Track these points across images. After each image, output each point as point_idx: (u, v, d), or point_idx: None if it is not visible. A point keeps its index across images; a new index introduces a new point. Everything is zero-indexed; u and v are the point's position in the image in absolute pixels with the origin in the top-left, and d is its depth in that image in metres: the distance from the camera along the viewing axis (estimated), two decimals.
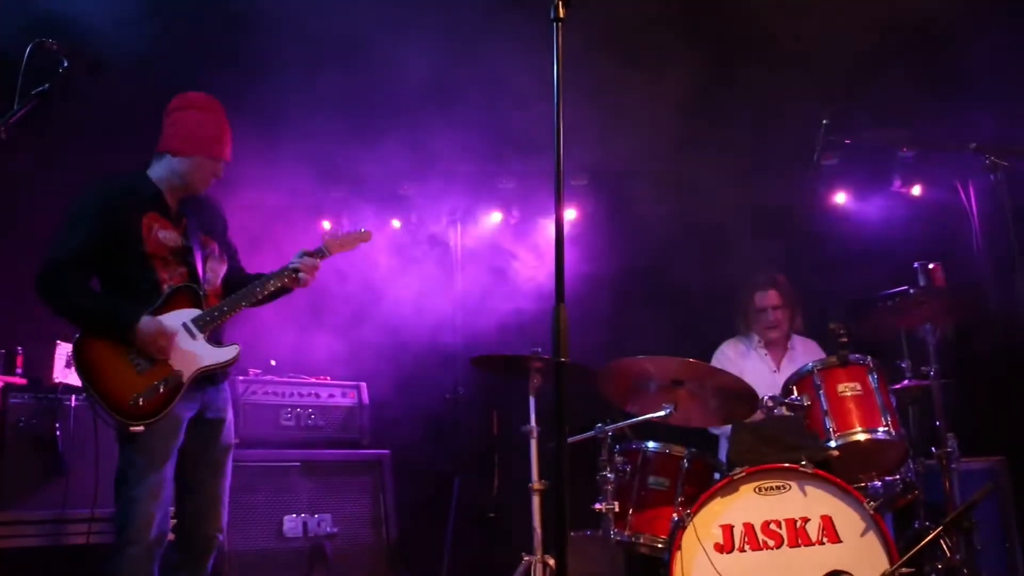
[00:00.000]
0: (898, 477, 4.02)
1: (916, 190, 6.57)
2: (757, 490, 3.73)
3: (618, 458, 4.00)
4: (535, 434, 4.24)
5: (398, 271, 6.68)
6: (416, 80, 5.35)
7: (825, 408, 3.99)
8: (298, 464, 4.81)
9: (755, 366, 5.07)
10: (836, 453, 3.85)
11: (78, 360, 3.35)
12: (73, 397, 4.25)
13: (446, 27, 5.27)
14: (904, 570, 3.54)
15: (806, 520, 3.67)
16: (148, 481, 3.34)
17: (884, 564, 3.57)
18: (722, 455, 4.92)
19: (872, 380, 4.05)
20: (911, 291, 4.15)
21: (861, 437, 3.95)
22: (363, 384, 5.31)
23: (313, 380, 5.19)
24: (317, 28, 5.15)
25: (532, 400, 4.30)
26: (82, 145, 5.26)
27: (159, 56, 4.99)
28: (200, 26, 5.07)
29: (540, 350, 4.17)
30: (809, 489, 3.71)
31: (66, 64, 3.08)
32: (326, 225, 6.95)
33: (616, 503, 3.84)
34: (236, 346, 3.59)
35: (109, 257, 3.46)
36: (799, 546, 3.64)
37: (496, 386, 6.68)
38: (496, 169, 6.64)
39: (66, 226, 3.47)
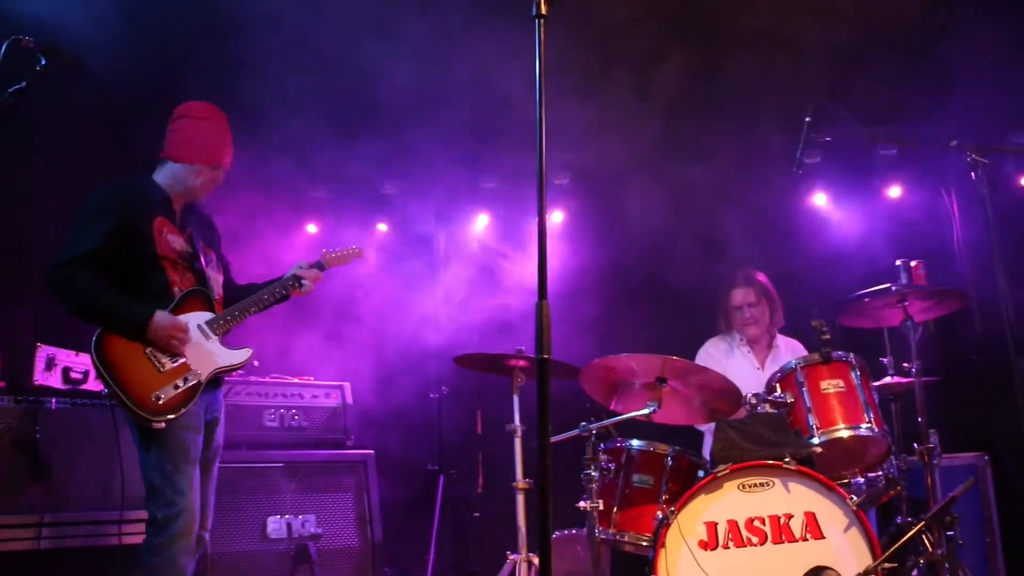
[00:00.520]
0: (881, 473, 4.03)
1: (898, 189, 6.62)
2: (741, 487, 3.73)
3: (602, 456, 3.99)
4: (519, 433, 4.25)
5: (381, 271, 6.67)
6: (399, 79, 5.33)
7: (808, 405, 4.00)
8: (282, 465, 4.79)
9: (739, 364, 5.09)
10: (819, 450, 3.85)
11: (100, 358, 3.41)
12: (54, 400, 4.21)
13: (429, 24, 5.27)
14: (886, 565, 3.56)
15: (790, 517, 3.68)
16: (188, 475, 3.46)
17: (867, 560, 3.58)
18: (706, 452, 4.93)
19: (855, 377, 4.06)
20: (892, 288, 4.17)
21: (844, 434, 3.95)
22: (347, 384, 5.29)
23: (297, 380, 5.17)
24: (298, 28, 5.14)
25: (516, 399, 4.30)
26: (60, 144, 5.22)
27: (137, 56, 4.96)
28: (180, 26, 5.04)
29: (524, 348, 4.18)
30: (792, 486, 3.72)
31: (44, 62, 3.04)
32: (311, 229, 6.94)
33: (600, 501, 3.83)
34: (249, 349, 3.73)
35: (120, 257, 3.53)
36: (783, 543, 3.65)
37: (480, 385, 6.69)
38: (479, 168, 6.64)
39: (80, 224, 3.53)
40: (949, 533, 3.69)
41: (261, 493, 4.70)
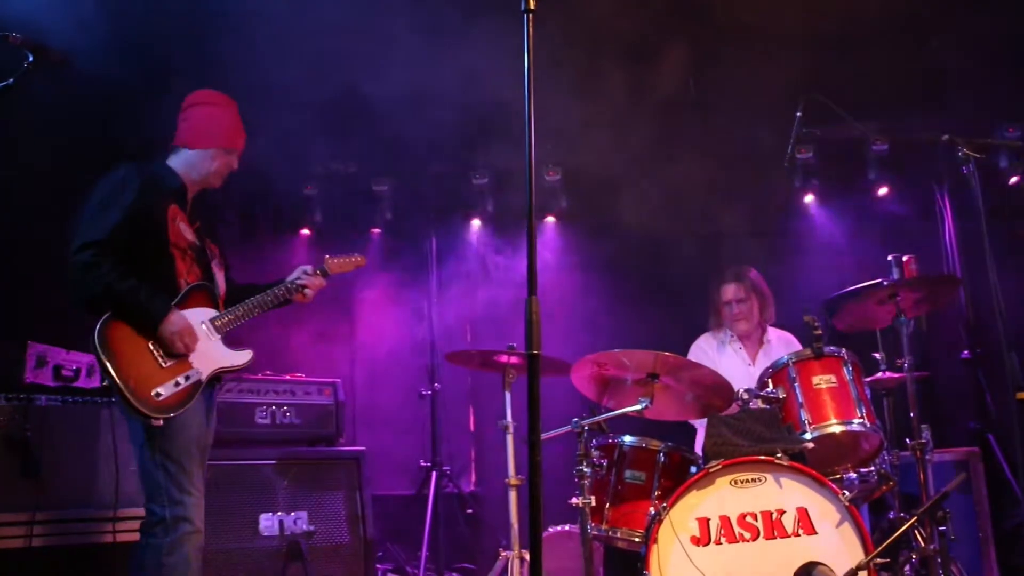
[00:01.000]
0: (873, 469, 4.04)
1: (889, 186, 6.62)
2: (733, 483, 3.73)
3: (595, 452, 3.99)
4: (511, 429, 4.25)
5: (373, 268, 6.66)
6: (389, 75, 5.32)
7: (800, 400, 3.99)
8: (274, 462, 4.77)
9: (730, 360, 5.09)
10: (811, 445, 3.86)
11: (103, 345, 3.34)
12: (44, 398, 4.19)
13: (421, 20, 5.25)
14: (878, 561, 3.56)
15: (782, 512, 3.67)
16: (194, 473, 3.44)
17: (859, 555, 3.58)
18: (699, 447, 4.93)
19: (847, 372, 4.06)
20: (884, 283, 4.17)
21: (836, 429, 3.95)
22: (338, 381, 5.28)
23: (288, 378, 5.15)
24: (288, 24, 5.12)
25: (507, 395, 4.30)
26: (43, 143, 5.19)
27: (121, 53, 4.94)
28: (168, 22, 5.01)
29: (515, 344, 4.17)
30: (785, 481, 3.72)
31: (31, 59, 3.02)
32: (304, 232, 6.93)
33: (593, 497, 3.82)
34: (250, 351, 3.70)
35: (132, 241, 3.46)
36: (775, 538, 3.64)
37: (473, 381, 6.69)
38: (472, 165, 6.64)
39: (99, 207, 3.46)
40: (941, 528, 3.69)
41: (253, 490, 4.68)
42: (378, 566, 5.44)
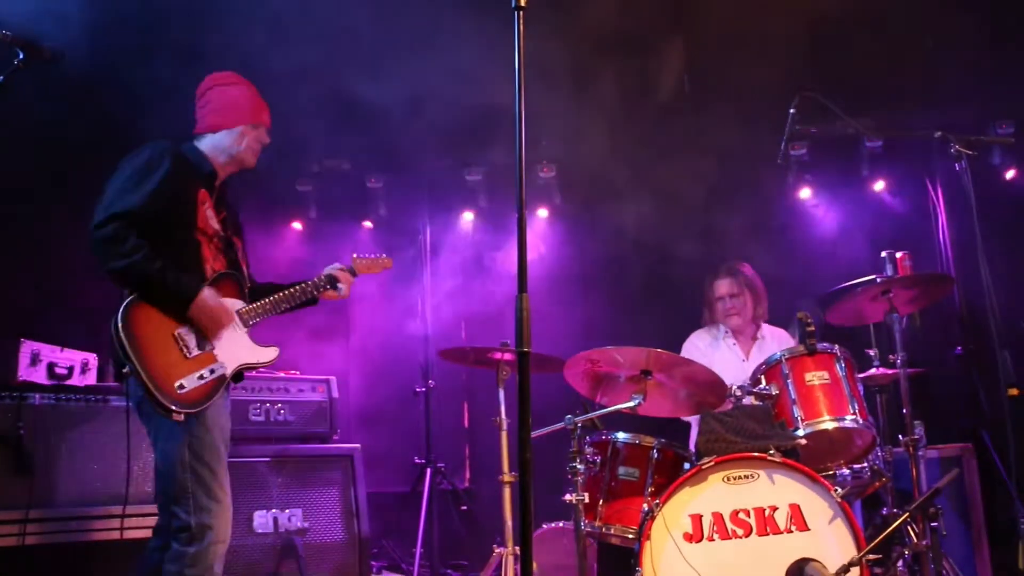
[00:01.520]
0: (866, 465, 4.04)
1: (883, 182, 6.63)
2: (726, 479, 3.73)
3: (588, 449, 3.99)
4: (505, 426, 4.25)
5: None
6: (382, 71, 5.31)
7: (793, 397, 4.00)
8: (268, 459, 4.77)
9: (724, 356, 5.09)
10: (804, 442, 3.86)
11: (125, 331, 3.13)
12: (37, 396, 4.19)
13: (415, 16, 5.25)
14: (870, 557, 3.56)
15: (775, 509, 3.67)
16: (222, 477, 3.26)
17: (852, 551, 3.58)
18: (693, 444, 4.93)
19: (840, 369, 4.06)
20: (878, 280, 4.17)
21: (829, 425, 3.96)
22: (333, 378, 5.27)
23: (282, 374, 5.15)
24: (283, 19, 5.11)
25: (501, 392, 4.30)
26: (35, 140, 5.19)
27: (108, 48, 4.93)
28: (155, 10, 5.00)
29: (509, 342, 4.17)
30: (777, 478, 3.72)
31: (21, 56, 3.01)
32: (296, 225, 6.92)
33: (586, 494, 3.83)
34: (276, 348, 3.55)
35: (160, 220, 3.28)
36: (768, 535, 3.64)
37: (467, 378, 6.69)
38: (466, 160, 6.63)
39: (128, 180, 3.27)
40: (933, 525, 3.69)
41: (247, 487, 4.67)
42: (372, 563, 5.44)
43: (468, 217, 7.01)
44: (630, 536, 3.88)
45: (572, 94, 5.51)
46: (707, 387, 4.03)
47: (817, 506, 3.67)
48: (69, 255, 5.63)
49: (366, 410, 6.06)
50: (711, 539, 3.65)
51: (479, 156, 6.58)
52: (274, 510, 4.72)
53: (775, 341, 5.09)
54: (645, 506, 3.81)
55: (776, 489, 3.70)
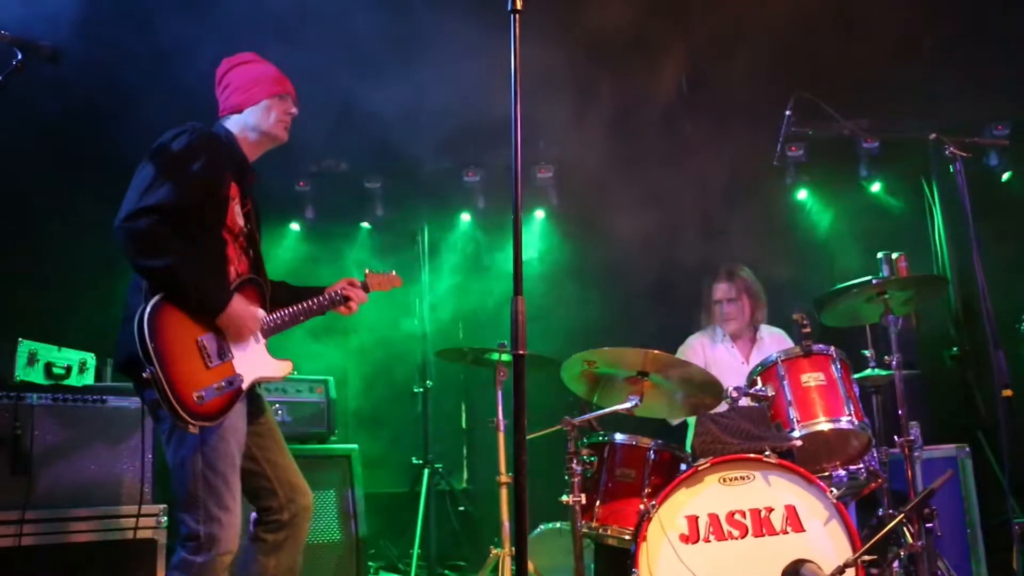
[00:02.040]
0: (862, 466, 4.05)
1: (880, 182, 6.64)
2: (722, 480, 3.73)
3: (585, 450, 4.00)
4: (502, 427, 4.26)
5: (365, 265, 6.65)
6: (381, 70, 5.32)
7: (789, 398, 4.00)
8: None
9: (723, 359, 5.10)
10: (799, 443, 3.87)
11: (152, 332, 2.97)
12: (34, 396, 4.19)
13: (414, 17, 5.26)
14: (866, 558, 3.57)
15: (770, 510, 3.68)
16: (235, 486, 3.15)
17: (847, 552, 3.59)
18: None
19: (835, 370, 4.07)
20: (873, 281, 4.18)
21: (824, 427, 3.96)
22: (330, 379, 5.28)
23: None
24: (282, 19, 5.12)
25: (499, 393, 4.31)
26: (30, 140, 5.19)
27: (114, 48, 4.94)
28: (150, 11, 5.00)
29: (506, 343, 4.17)
30: (773, 479, 3.73)
31: (20, 57, 2.99)
32: (294, 226, 6.91)
33: (583, 495, 3.83)
34: (290, 363, 3.44)
35: (190, 218, 3.12)
36: (763, 536, 3.65)
37: (465, 379, 6.70)
38: (464, 162, 6.64)
39: (163, 170, 3.09)
40: (928, 525, 3.70)
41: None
42: (370, 563, 5.45)
43: (466, 218, 7.02)
44: (626, 537, 3.88)
45: (570, 95, 5.52)
46: (703, 388, 4.04)
47: (813, 507, 3.68)
48: (68, 254, 5.65)
49: (364, 410, 6.07)
50: (707, 540, 3.66)
51: (477, 157, 6.59)
52: None
53: (774, 342, 5.09)
54: (641, 507, 3.81)
55: (772, 490, 3.71)
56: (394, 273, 4.05)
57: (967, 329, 5.72)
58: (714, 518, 3.68)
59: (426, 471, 5.97)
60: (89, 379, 4.69)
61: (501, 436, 4.26)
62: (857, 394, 4.13)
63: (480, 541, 5.95)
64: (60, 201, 5.56)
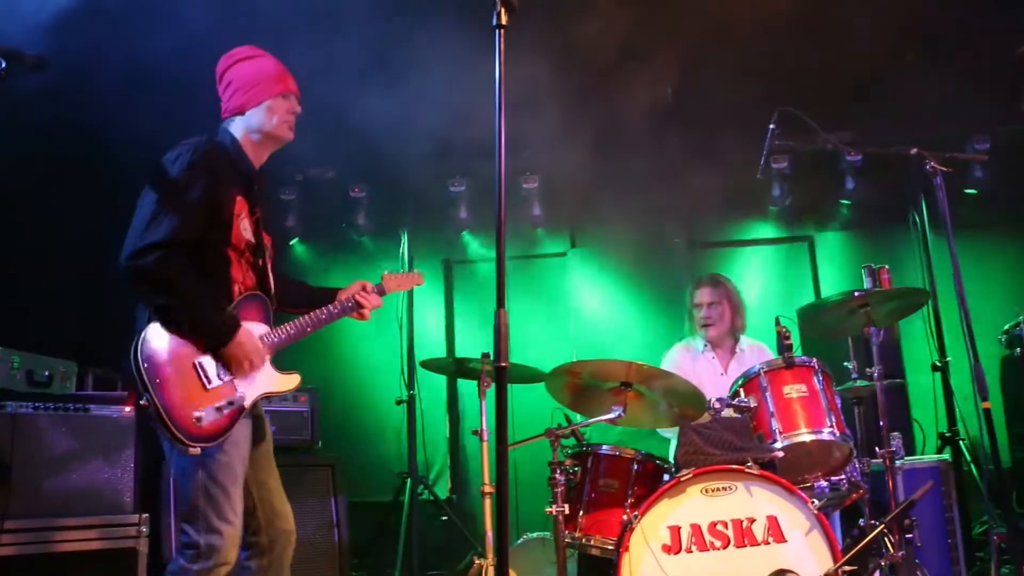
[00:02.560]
0: (844, 477, 4.07)
1: (864, 195, 6.68)
2: (704, 491, 3.76)
3: (568, 460, 4.00)
4: (486, 437, 4.26)
5: (348, 275, 6.66)
6: (366, 78, 5.33)
7: (771, 409, 4.02)
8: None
9: (704, 369, 5.13)
10: (781, 454, 3.89)
11: (145, 363, 3.00)
12: (13, 404, 4.16)
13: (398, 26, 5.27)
14: (846, 568, 3.59)
15: (752, 520, 3.70)
16: (236, 498, 3.15)
17: (828, 563, 3.62)
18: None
19: (817, 381, 4.09)
20: (856, 294, 4.21)
21: (807, 438, 3.98)
22: (315, 389, 5.28)
23: None
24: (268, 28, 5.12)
25: (483, 403, 4.31)
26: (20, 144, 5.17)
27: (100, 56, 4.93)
28: (145, 28, 5.00)
29: (490, 353, 4.17)
30: (755, 490, 3.75)
31: (3, 65, 2.99)
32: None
33: (567, 506, 3.84)
34: (297, 376, 3.43)
35: (194, 242, 3.11)
36: (745, 546, 3.67)
37: (449, 389, 6.70)
38: (448, 172, 6.65)
39: (163, 200, 3.07)
40: (908, 536, 3.73)
41: None
42: (353, 573, 5.43)
43: (451, 227, 7.02)
44: (610, 547, 3.89)
45: (555, 105, 5.54)
46: (687, 399, 4.06)
47: (794, 518, 3.71)
48: (50, 262, 5.62)
49: (348, 420, 6.06)
50: (689, 551, 3.68)
51: (463, 167, 6.61)
52: None
53: (754, 354, 5.12)
54: (624, 518, 3.83)
55: (754, 501, 3.74)
56: (417, 272, 4.00)
57: (951, 340, 5.77)
58: (696, 529, 3.70)
59: (410, 481, 5.96)
60: (71, 388, 4.67)
61: (485, 446, 4.26)
62: (839, 405, 4.15)
63: (464, 551, 5.94)
64: (43, 208, 5.54)
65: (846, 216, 6.72)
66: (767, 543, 3.68)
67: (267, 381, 3.31)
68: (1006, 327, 5.42)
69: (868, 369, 4.23)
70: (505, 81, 2.53)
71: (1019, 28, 4.38)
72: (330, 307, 3.56)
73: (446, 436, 6.68)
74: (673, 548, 3.68)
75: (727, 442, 3.85)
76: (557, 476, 3.84)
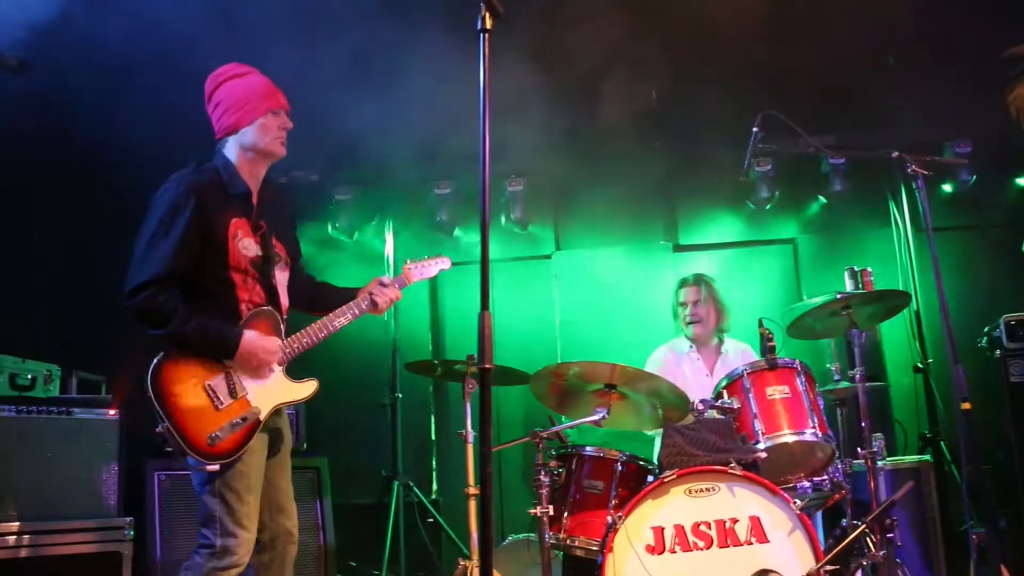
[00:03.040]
0: (826, 477, 4.11)
1: (847, 197, 6.72)
2: (687, 492, 3.79)
3: (553, 462, 4.03)
4: (471, 439, 4.27)
5: (333, 276, 6.65)
6: (351, 79, 5.33)
7: (754, 411, 4.06)
8: None
9: (688, 371, 5.16)
10: (764, 455, 3.92)
11: (156, 392, 3.14)
12: None
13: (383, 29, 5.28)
14: (828, 568, 3.63)
15: (735, 521, 3.73)
16: (252, 505, 3.26)
17: (810, 562, 3.65)
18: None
19: (800, 383, 4.13)
20: (838, 296, 4.24)
21: (789, 439, 4.02)
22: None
23: None
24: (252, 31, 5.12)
25: (468, 405, 4.32)
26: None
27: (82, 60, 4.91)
28: (129, 32, 4.99)
29: (475, 355, 4.18)
30: (738, 491, 3.78)
31: None
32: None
33: (551, 507, 3.86)
34: (314, 382, 3.49)
35: (190, 270, 3.25)
36: (728, 547, 3.70)
37: (434, 391, 6.71)
38: (431, 174, 6.66)
39: (152, 236, 3.21)
40: (889, 536, 3.77)
41: None
42: (339, 575, 5.42)
43: (436, 229, 7.02)
44: (594, 548, 3.91)
45: (540, 108, 5.56)
46: (670, 401, 4.09)
47: (777, 518, 3.74)
48: (34, 266, 5.59)
49: (333, 422, 6.05)
50: (673, 551, 3.71)
51: (448, 169, 6.61)
52: None
53: (739, 355, 5.15)
54: (609, 519, 3.85)
55: (737, 502, 3.77)
56: (442, 256, 3.98)
57: (932, 341, 5.82)
58: (680, 529, 3.73)
59: (395, 483, 5.97)
60: (55, 391, 4.66)
61: (470, 448, 4.27)
62: (821, 406, 4.19)
63: (449, 552, 5.95)
64: (27, 213, 5.52)
65: (829, 219, 6.75)
66: (750, 543, 3.71)
67: (281, 392, 3.39)
68: (987, 329, 5.47)
69: (850, 371, 4.28)
70: (490, 85, 2.54)
71: (1002, 33, 4.44)
72: (346, 310, 3.59)
73: (432, 438, 6.68)
74: (657, 549, 3.70)
75: (710, 443, 3.88)
76: (542, 477, 3.86)
